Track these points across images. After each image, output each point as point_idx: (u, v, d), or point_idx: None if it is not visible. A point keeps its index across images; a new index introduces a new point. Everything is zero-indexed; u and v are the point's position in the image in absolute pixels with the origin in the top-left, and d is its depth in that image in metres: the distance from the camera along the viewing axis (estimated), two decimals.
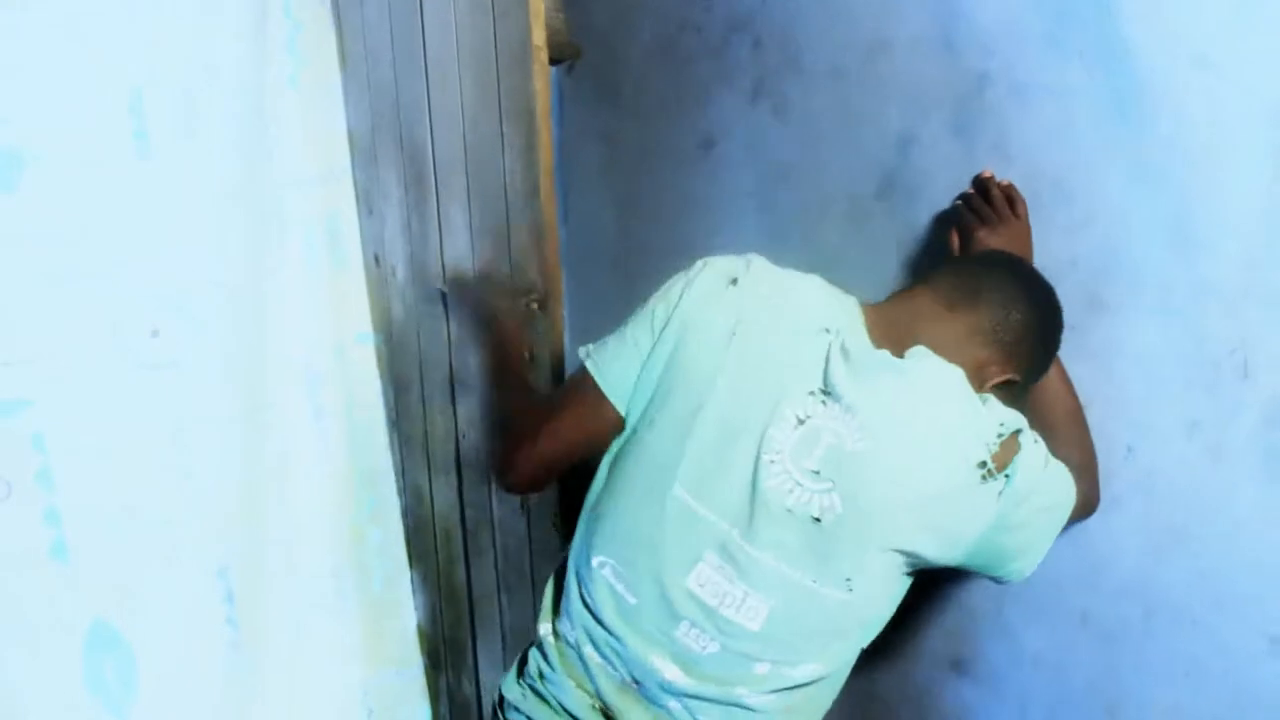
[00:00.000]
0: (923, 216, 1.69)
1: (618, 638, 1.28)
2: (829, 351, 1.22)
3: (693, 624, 1.25)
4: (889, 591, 1.28)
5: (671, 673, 1.27)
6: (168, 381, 2.11)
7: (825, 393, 1.20)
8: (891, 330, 1.26)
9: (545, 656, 1.36)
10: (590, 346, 1.33)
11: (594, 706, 1.33)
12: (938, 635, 1.75)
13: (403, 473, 2.19)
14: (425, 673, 2.35)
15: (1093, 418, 1.48)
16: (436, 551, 2.15)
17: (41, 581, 2.07)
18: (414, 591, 2.31)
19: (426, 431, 2.06)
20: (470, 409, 1.88)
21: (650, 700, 1.30)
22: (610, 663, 1.30)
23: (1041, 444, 1.26)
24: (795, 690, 1.30)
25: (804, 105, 1.83)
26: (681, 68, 2.07)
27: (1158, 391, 1.44)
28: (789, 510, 1.19)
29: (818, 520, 1.19)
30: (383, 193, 1.99)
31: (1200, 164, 1.35)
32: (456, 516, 2.04)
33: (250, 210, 2.14)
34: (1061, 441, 1.36)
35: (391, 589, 2.32)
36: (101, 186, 2.07)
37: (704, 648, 1.25)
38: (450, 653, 2.21)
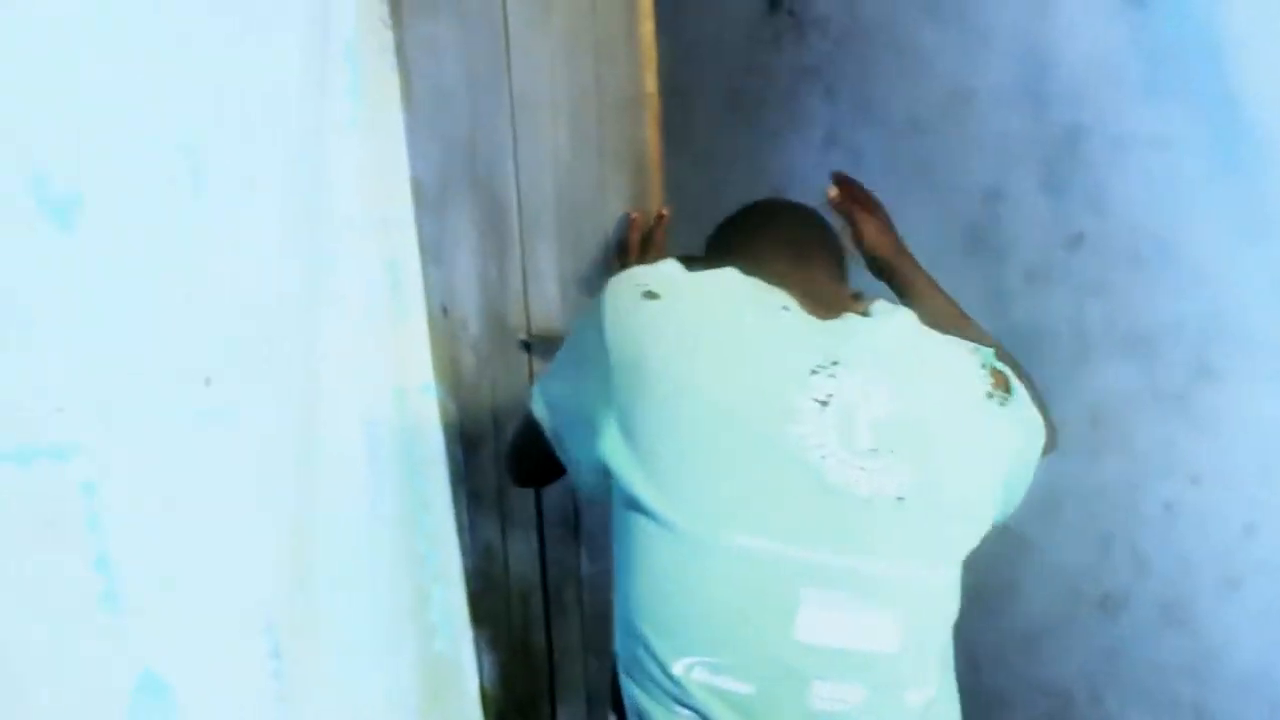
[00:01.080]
0: (1012, 275, 1.68)
1: None
2: (799, 324, 1.11)
3: (824, 679, 1.04)
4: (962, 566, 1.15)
5: None
6: (220, 430, 2.06)
7: (833, 363, 1.07)
8: (814, 297, 1.18)
9: None
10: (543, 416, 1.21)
11: None
12: None
13: (470, 530, 2.13)
14: None
15: (1204, 493, 1.43)
16: (509, 611, 2.09)
17: (91, 629, 2.00)
18: (480, 653, 2.24)
19: (500, 488, 2.01)
20: None
21: None
22: None
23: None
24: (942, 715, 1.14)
25: (880, 156, 1.82)
26: (751, 115, 2.06)
27: (1277, 464, 1.39)
28: (868, 500, 1.04)
29: (901, 499, 1.05)
30: (452, 240, 1.94)
31: None
32: (536, 575, 1.98)
33: (306, 256, 2.09)
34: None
35: (454, 649, 2.24)
36: (157, 229, 2.02)
37: (849, 700, 1.04)
38: (523, 717, 2.15)
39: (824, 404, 1.05)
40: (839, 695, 1.04)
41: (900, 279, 1.52)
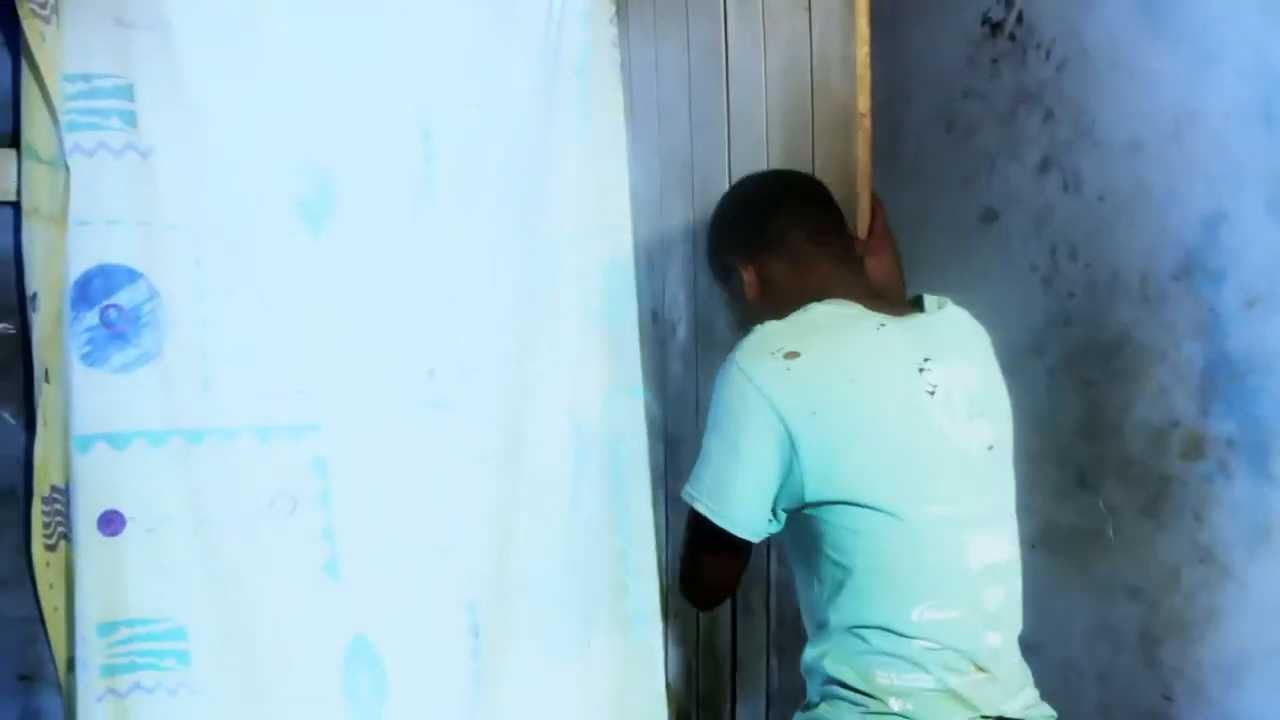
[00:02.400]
0: (1229, 300, 1.64)
1: (965, 648, 1.37)
2: (896, 334, 1.40)
3: (987, 588, 1.39)
4: None
5: (996, 639, 1.40)
6: (438, 420, 2.23)
7: (927, 360, 1.38)
8: (873, 301, 1.46)
9: (908, 716, 1.37)
10: (695, 491, 1.43)
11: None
12: None
13: (667, 529, 2.22)
14: None
15: None
16: (699, 610, 2.16)
17: (315, 593, 2.22)
18: (667, 648, 2.32)
19: None
20: None
21: (997, 677, 1.40)
22: (964, 671, 1.37)
23: None
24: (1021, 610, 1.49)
25: (1098, 179, 1.80)
26: (964, 138, 2.07)
27: None
28: (977, 457, 1.41)
29: (991, 448, 1.43)
30: (666, 249, 2.04)
31: None
32: None
33: (527, 259, 2.23)
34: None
35: (645, 644, 2.33)
36: (393, 233, 2.22)
37: (999, 598, 1.41)
38: (705, 713, 2.21)
39: (932, 393, 1.38)
40: (995, 596, 1.40)
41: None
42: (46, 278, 2.02)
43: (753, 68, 1.79)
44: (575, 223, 2.23)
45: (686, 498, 1.43)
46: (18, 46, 1.98)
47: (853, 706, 1.39)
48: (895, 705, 1.36)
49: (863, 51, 1.57)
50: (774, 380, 1.33)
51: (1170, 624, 1.66)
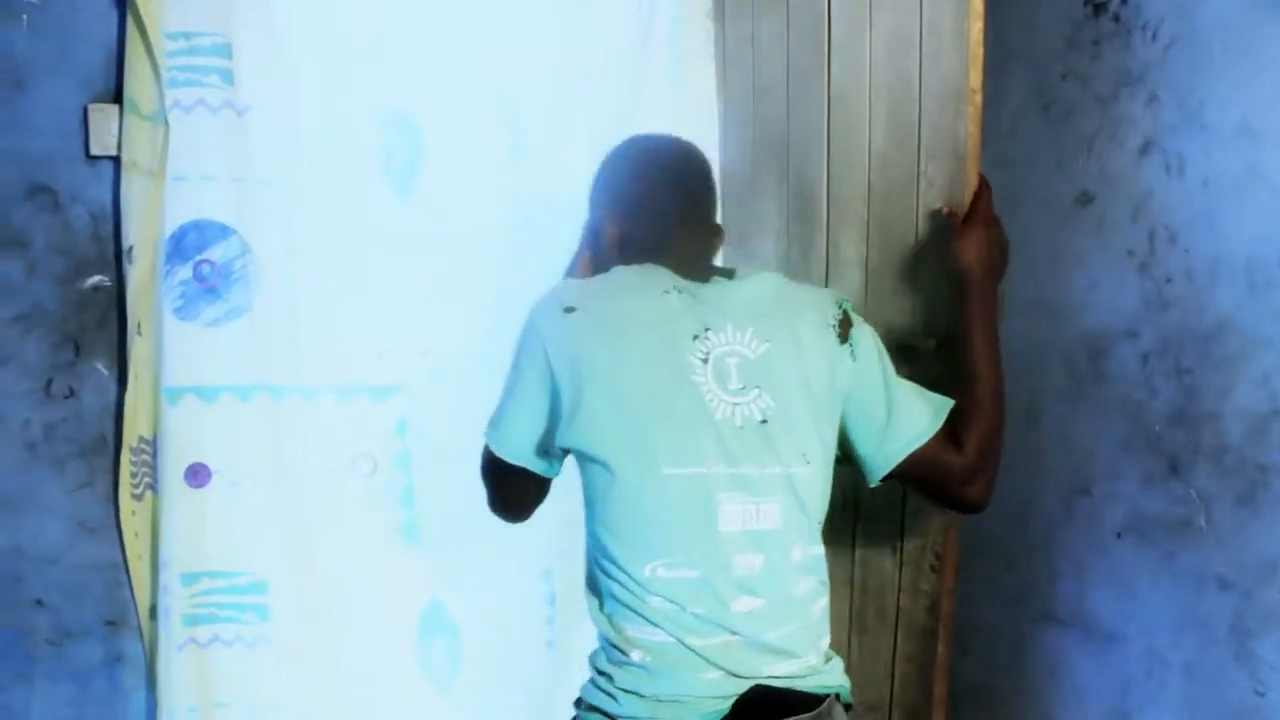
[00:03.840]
0: None
1: (703, 611, 1.42)
2: (681, 301, 1.47)
3: (740, 554, 1.44)
4: (829, 460, 1.54)
5: (750, 604, 1.44)
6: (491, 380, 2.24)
7: (706, 329, 1.46)
8: (690, 269, 1.53)
9: (647, 668, 1.45)
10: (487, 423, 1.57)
11: (715, 678, 1.44)
12: None
13: None
14: None
15: None
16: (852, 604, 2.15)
17: (393, 555, 2.25)
18: None
19: None
20: None
21: (755, 642, 1.44)
22: (710, 634, 1.43)
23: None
24: (819, 578, 1.54)
25: (1203, 163, 1.78)
26: (1061, 119, 2.05)
27: None
28: (740, 427, 1.44)
29: (764, 422, 1.46)
30: (757, 226, 2.03)
31: None
32: (845, 576, 2.01)
33: None
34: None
35: None
36: (479, 197, 2.23)
37: (756, 565, 1.44)
38: None
39: (705, 360, 1.45)
40: (750, 563, 1.44)
41: (967, 306, 1.65)
42: (142, 232, 2.04)
43: (856, 43, 1.78)
44: None
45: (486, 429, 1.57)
46: (123, 5, 2.00)
47: (607, 655, 1.49)
48: (635, 656, 1.44)
49: (976, 27, 1.55)
50: (550, 329, 1.46)
51: (1265, 617, 1.64)
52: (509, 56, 2.23)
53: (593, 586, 1.52)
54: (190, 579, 2.09)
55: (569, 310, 1.45)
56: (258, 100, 2.07)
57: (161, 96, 2.01)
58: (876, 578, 1.83)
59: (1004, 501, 2.08)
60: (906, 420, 1.56)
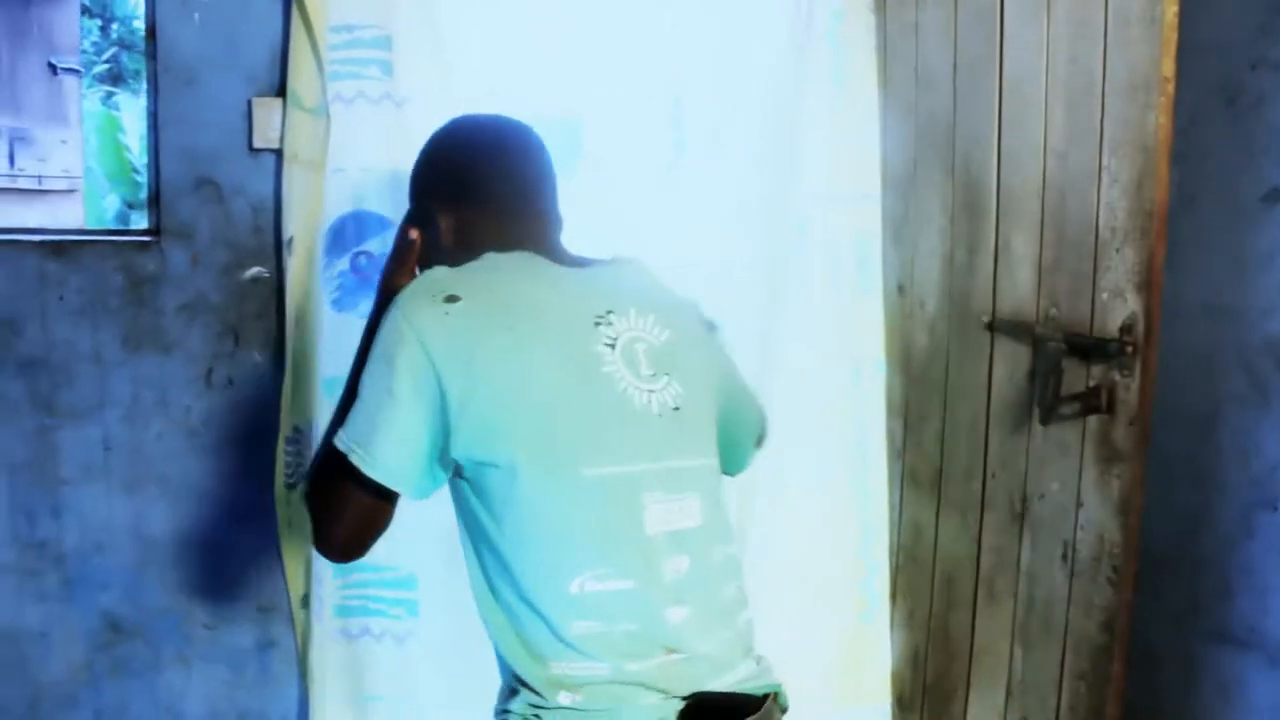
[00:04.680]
0: None
1: (636, 628, 1.27)
2: (574, 283, 1.37)
3: (668, 557, 1.30)
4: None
5: (681, 614, 1.30)
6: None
7: (608, 311, 1.34)
8: (556, 255, 1.42)
9: (579, 708, 1.27)
10: (347, 438, 1.29)
11: (654, 703, 1.28)
12: None
13: (899, 506, 2.16)
14: (892, 713, 2.29)
15: None
16: (932, 593, 2.10)
17: None
18: (892, 629, 2.26)
19: (942, 468, 2.02)
20: (1004, 449, 1.82)
21: (694, 655, 1.30)
22: (647, 655, 1.27)
23: None
24: (738, 584, 1.40)
25: None
26: (1247, 111, 1.94)
27: None
28: (658, 416, 1.33)
29: (677, 409, 1.35)
30: (918, 221, 1.97)
31: None
32: (968, 559, 1.98)
33: (774, 225, 2.18)
34: None
35: (874, 624, 2.27)
36: (637, 191, 2.22)
37: (682, 568, 1.31)
38: (930, 699, 2.14)
39: (612, 345, 1.32)
40: (677, 566, 1.30)
41: None
42: (302, 223, 2.07)
43: (1033, 30, 1.70)
44: (824, 191, 2.16)
45: (337, 443, 1.29)
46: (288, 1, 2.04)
47: (527, 701, 1.29)
48: (564, 699, 1.26)
49: (1171, 11, 1.46)
50: (431, 324, 1.26)
51: None
52: (670, 55, 2.23)
53: (495, 625, 1.33)
54: (343, 570, 2.10)
55: (450, 299, 1.27)
56: (416, 92, 2.07)
57: (324, 89, 2.03)
58: (1044, 590, 1.75)
59: (1170, 515, 1.98)
60: (755, 418, 1.59)
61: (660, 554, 1.29)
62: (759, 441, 1.63)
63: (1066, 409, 1.61)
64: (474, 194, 1.44)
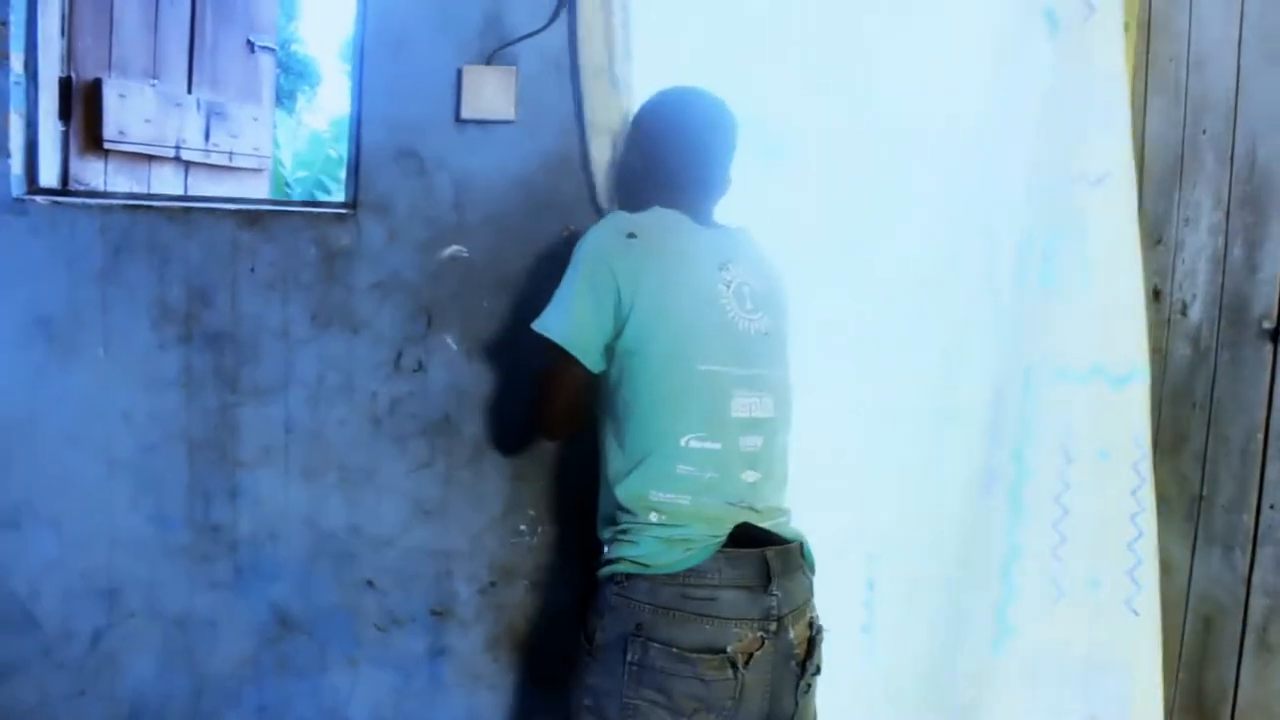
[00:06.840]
0: None
1: (718, 476, 1.75)
2: (706, 239, 1.85)
3: (745, 435, 1.79)
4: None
5: (752, 476, 1.79)
6: (847, 368, 2.22)
7: (727, 262, 1.83)
8: (699, 215, 1.88)
9: (663, 524, 1.75)
10: (545, 319, 1.79)
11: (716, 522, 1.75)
12: None
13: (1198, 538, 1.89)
14: None
15: None
16: (1182, 641, 1.85)
17: None
18: None
19: (1203, 495, 1.78)
20: None
21: (753, 509, 1.78)
22: (719, 496, 1.76)
23: None
24: (787, 465, 1.90)
25: None
26: None
27: None
28: (754, 336, 1.83)
29: (766, 334, 1.85)
30: (1184, 217, 1.75)
31: None
32: (1234, 603, 1.73)
33: (986, 216, 1.99)
34: None
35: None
36: (832, 179, 2.20)
37: (757, 445, 1.80)
38: None
39: (727, 286, 1.82)
40: (752, 442, 1.80)
41: None
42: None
43: None
44: (1045, 179, 1.93)
45: (536, 326, 1.77)
46: None
47: (624, 519, 1.77)
48: (653, 518, 1.75)
49: None
50: (616, 251, 1.76)
51: None
52: (864, 35, 2.13)
53: (615, 469, 1.79)
54: None
55: (631, 236, 1.77)
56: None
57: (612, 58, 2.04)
58: None
59: None
60: None
61: (740, 432, 1.78)
62: None
63: None
64: (668, 163, 1.90)
